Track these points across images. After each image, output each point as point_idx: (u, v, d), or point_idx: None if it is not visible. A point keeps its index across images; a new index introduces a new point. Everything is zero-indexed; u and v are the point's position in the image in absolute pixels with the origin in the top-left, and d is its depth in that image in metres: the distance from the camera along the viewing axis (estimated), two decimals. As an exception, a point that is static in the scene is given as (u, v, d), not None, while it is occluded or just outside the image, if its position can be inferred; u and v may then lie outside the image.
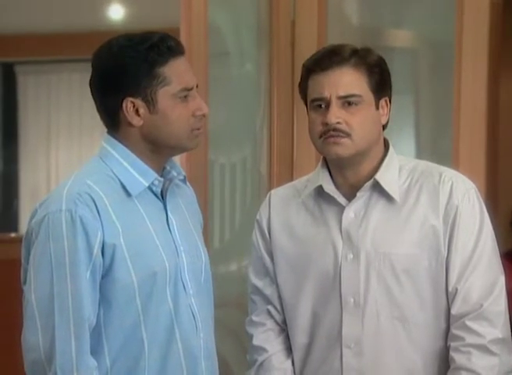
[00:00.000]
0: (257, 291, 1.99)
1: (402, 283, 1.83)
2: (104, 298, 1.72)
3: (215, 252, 2.77)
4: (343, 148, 1.83)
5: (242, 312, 2.99)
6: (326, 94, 1.83)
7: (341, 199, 1.88)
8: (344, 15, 3.13)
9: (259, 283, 1.99)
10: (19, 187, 7.62)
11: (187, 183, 1.95)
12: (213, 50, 2.68)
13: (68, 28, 6.50)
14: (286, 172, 3.04)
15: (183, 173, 1.89)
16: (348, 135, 1.83)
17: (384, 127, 1.91)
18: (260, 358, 1.96)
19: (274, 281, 1.97)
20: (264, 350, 1.96)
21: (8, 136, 7.61)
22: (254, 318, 2.00)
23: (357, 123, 1.82)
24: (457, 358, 1.78)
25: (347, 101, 1.83)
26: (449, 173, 1.88)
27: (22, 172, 7.64)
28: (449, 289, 1.82)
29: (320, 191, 1.91)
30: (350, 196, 1.88)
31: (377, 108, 1.86)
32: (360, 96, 1.83)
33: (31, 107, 7.63)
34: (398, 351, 1.84)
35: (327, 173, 1.91)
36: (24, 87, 7.64)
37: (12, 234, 6.71)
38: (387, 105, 1.89)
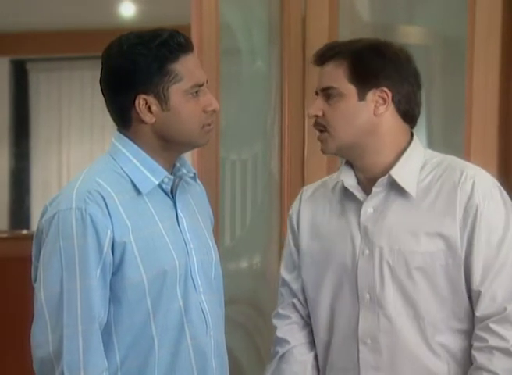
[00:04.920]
0: (285, 283, 2.00)
1: (416, 281, 1.81)
2: (114, 296, 1.72)
3: (225, 249, 2.77)
4: (324, 144, 1.86)
5: (253, 308, 2.99)
6: (316, 88, 1.87)
7: (359, 194, 1.87)
8: (355, 11, 3.12)
9: (287, 276, 2.00)
10: (30, 184, 7.65)
11: (198, 180, 1.94)
12: (224, 47, 2.68)
13: (79, 25, 6.51)
14: (297, 169, 3.03)
15: (193, 171, 1.89)
16: (325, 129, 1.84)
17: (407, 119, 1.86)
18: (281, 350, 1.97)
19: (301, 275, 1.97)
20: (286, 342, 1.97)
21: (19, 133, 7.64)
22: (280, 310, 2.01)
23: (333, 116, 1.83)
24: (479, 358, 1.78)
25: (327, 94, 1.84)
26: (471, 171, 1.84)
27: (33, 169, 7.67)
28: (472, 290, 1.80)
29: (344, 186, 1.91)
30: (370, 191, 1.87)
31: (360, 99, 1.82)
32: (335, 88, 1.82)
33: (43, 104, 7.66)
34: (414, 349, 1.82)
35: (350, 168, 1.90)
36: (36, 84, 7.67)
37: (24, 231, 6.73)
38: (382, 96, 1.83)
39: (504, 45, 2.87)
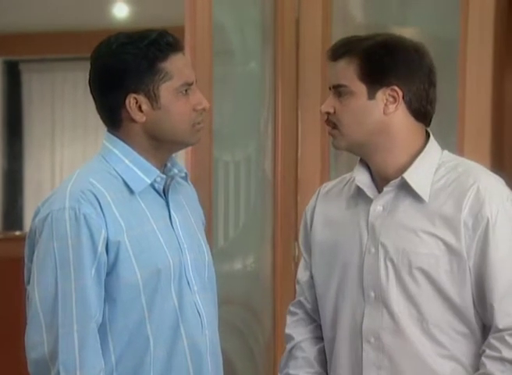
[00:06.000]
0: (298, 282, 2.03)
1: (419, 282, 1.80)
2: (108, 296, 1.72)
3: (219, 250, 2.77)
4: (335, 139, 1.85)
5: (246, 310, 2.99)
6: (329, 84, 1.86)
7: (370, 192, 1.86)
8: (349, 12, 3.12)
9: (299, 275, 2.02)
10: (23, 185, 7.63)
11: (188, 180, 1.94)
12: (217, 48, 2.67)
13: (72, 26, 6.50)
14: (291, 170, 3.03)
15: (185, 170, 1.89)
16: (336, 126, 1.84)
17: (419, 118, 1.84)
18: (288, 346, 1.99)
19: (310, 274, 1.98)
20: (291, 338, 1.98)
21: (12, 134, 7.62)
22: (291, 307, 2.03)
23: (343, 114, 1.82)
24: (489, 366, 1.77)
25: (338, 92, 1.83)
26: (485, 181, 1.81)
27: (26, 170, 7.65)
28: (487, 303, 1.78)
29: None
30: (382, 189, 1.86)
31: (370, 98, 1.81)
32: (345, 86, 1.81)
33: (36, 105, 7.65)
34: (417, 349, 1.81)
35: (364, 165, 1.89)
36: (29, 84, 7.66)
37: (17, 232, 6.72)
38: (393, 95, 1.81)
39: (497, 45, 2.88)
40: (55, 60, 7.49)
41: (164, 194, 1.84)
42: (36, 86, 7.63)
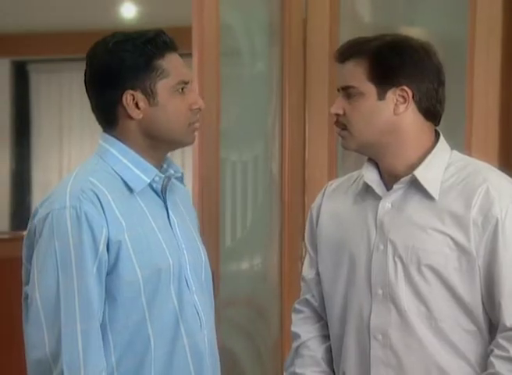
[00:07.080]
0: (303, 279, 2.03)
1: (428, 280, 1.80)
2: (109, 295, 1.72)
3: (226, 251, 2.77)
4: (345, 140, 1.86)
5: (253, 310, 3.00)
6: (337, 85, 1.87)
7: (379, 189, 1.87)
8: (356, 13, 3.12)
9: (305, 272, 2.02)
10: (31, 185, 7.64)
11: (184, 181, 1.94)
12: (225, 49, 2.68)
13: (80, 27, 6.50)
14: (298, 170, 3.03)
15: (181, 171, 1.90)
16: (345, 127, 1.84)
17: (429, 117, 1.84)
18: (294, 345, 2.00)
19: (316, 271, 1.99)
20: (298, 336, 1.99)
21: (20, 134, 7.64)
22: (296, 305, 2.04)
23: (353, 115, 1.82)
24: (497, 365, 1.77)
25: (347, 93, 1.83)
26: (494, 182, 1.81)
27: (34, 170, 7.66)
28: (495, 301, 1.78)
29: (365, 181, 1.91)
30: (391, 188, 1.87)
31: (380, 98, 1.82)
32: (354, 87, 1.82)
33: (43, 105, 7.66)
34: (425, 346, 1.82)
35: (373, 164, 1.90)
36: (36, 85, 7.67)
37: (24, 232, 6.73)
38: (402, 95, 1.81)
39: (505, 45, 2.88)
40: (63, 60, 7.49)
41: (162, 194, 1.84)
42: (44, 86, 7.64)
